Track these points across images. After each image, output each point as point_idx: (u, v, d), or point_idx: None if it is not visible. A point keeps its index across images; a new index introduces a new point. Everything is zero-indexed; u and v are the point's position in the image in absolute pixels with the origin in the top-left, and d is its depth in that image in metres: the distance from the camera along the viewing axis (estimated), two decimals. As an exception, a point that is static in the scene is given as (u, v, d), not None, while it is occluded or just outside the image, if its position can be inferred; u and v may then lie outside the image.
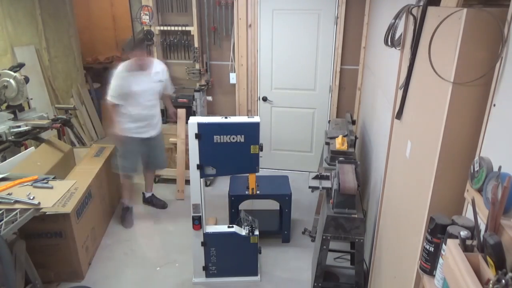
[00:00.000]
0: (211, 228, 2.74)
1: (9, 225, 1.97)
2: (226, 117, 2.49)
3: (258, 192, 2.85)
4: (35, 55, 4.30)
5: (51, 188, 2.31)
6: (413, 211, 1.48)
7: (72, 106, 4.60)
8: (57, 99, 4.65)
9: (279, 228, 3.28)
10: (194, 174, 2.53)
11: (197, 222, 2.63)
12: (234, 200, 3.08)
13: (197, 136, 2.42)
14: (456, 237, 0.99)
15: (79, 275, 2.79)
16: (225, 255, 2.77)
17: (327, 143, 3.17)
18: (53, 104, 4.52)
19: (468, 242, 0.96)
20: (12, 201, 2.12)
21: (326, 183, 2.58)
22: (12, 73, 3.22)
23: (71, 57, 5.07)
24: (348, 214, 2.32)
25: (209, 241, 2.70)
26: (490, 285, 0.78)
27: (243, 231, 2.72)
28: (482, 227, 0.97)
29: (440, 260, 1.09)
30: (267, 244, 3.20)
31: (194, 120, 2.43)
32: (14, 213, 2.05)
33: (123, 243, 3.25)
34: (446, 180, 1.25)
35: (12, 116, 3.30)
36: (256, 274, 2.85)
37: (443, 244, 1.07)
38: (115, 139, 3.34)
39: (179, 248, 3.17)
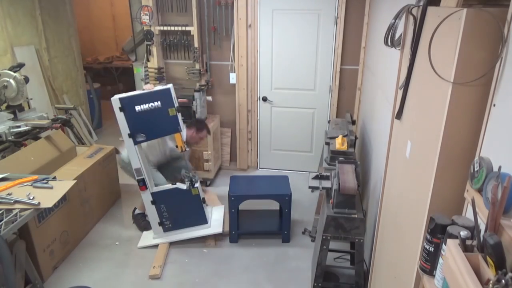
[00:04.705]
0: (157, 188, 3.00)
1: (9, 225, 1.97)
2: (143, 90, 2.81)
3: (186, 149, 3.04)
4: (35, 55, 4.30)
5: (51, 188, 2.31)
6: (413, 211, 1.48)
7: (72, 106, 4.60)
8: (57, 99, 4.65)
9: (279, 228, 3.28)
10: (128, 142, 2.82)
11: (142, 184, 2.92)
12: (234, 200, 3.08)
13: (121, 109, 2.71)
14: (456, 237, 0.99)
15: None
16: (174, 210, 3.06)
17: (327, 143, 3.16)
18: (53, 104, 4.52)
19: (468, 242, 0.96)
20: (12, 201, 2.13)
21: (326, 183, 2.58)
22: (12, 73, 3.22)
23: (71, 57, 5.07)
24: (348, 214, 2.32)
25: (158, 199, 3.00)
26: (490, 285, 0.78)
27: (184, 186, 3.00)
28: (482, 227, 0.97)
29: (440, 260, 1.09)
30: (267, 244, 3.20)
31: (116, 97, 2.72)
32: (14, 213, 2.05)
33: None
34: (446, 180, 1.25)
35: (12, 116, 3.30)
36: (206, 222, 3.15)
37: (443, 244, 1.07)
38: None
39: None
